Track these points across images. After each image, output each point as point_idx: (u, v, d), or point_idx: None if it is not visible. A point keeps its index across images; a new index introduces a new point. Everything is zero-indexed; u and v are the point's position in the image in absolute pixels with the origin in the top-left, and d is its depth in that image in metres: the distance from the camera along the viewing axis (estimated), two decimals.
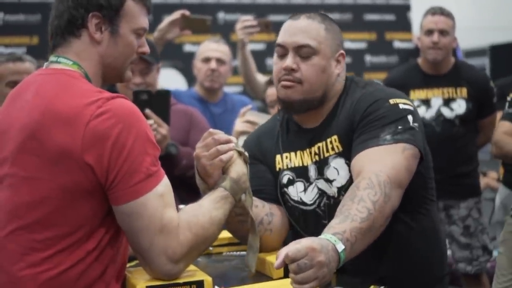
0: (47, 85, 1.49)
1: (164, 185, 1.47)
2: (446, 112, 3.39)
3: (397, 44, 6.33)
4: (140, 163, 1.43)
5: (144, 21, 1.58)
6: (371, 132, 1.68)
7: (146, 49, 1.60)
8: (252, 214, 1.66)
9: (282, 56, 1.80)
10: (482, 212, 3.52)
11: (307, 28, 1.78)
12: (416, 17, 6.40)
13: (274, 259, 1.42)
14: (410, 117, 1.71)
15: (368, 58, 6.27)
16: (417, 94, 3.42)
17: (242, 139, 2.73)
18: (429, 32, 3.38)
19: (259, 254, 1.77)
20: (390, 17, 6.32)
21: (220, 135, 1.62)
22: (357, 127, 1.72)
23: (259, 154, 1.90)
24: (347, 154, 1.73)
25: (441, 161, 3.16)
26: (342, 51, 1.82)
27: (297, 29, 1.78)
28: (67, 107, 1.43)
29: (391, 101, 1.73)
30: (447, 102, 3.39)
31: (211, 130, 1.64)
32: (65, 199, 1.43)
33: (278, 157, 1.87)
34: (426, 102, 3.41)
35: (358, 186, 1.57)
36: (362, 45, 6.22)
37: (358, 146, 1.69)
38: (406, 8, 6.34)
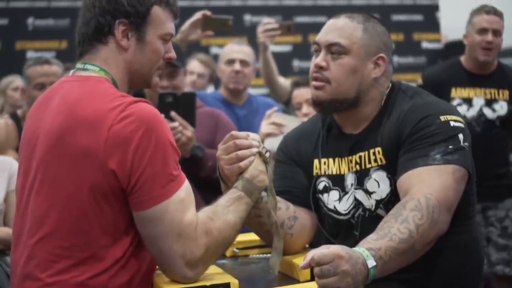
0: (72, 91, 1.50)
1: (185, 189, 1.47)
2: (488, 112, 3.34)
3: (425, 45, 6.26)
4: (162, 168, 1.43)
5: (171, 26, 1.57)
6: (420, 150, 1.64)
7: (173, 54, 1.60)
8: (275, 216, 1.64)
9: (317, 52, 1.79)
10: None
11: (342, 27, 1.76)
12: (444, 17, 6.33)
13: (301, 261, 1.40)
14: (461, 136, 1.67)
15: (396, 59, 6.21)
16: (459, 92, 3.37)
17: (268, 141, 2.73)
18: (483, 31, 3.32)
19: (286, 257, 1.76)
20: (418, 17, 6.25)
21: (242, 140, 1.59)
22: (405, 142, 1.68)
23: (296, 156, 1.87)
24: (390, 168, 1.70)
25: (479, 161, 3.15)
26: (382, 55, 1.76)
27: (333, 28, 1.77)
28: (90, 111, 1.43)
29: (442, 118, 1.68)
30: (489, 102, 3.35)
31: (233, 132, 1.61)
32: (89, 205, 1.43)
33: (316, 161, 1.84)
34: (468, 101, 3.36)
35: (405, 206, 1.54)
36: None
37: (406, 163, 1.65)
38: (434, 8, 6.27)
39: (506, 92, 3.35)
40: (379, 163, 1.73)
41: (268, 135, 2.79)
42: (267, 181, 1.61)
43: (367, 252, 1.41)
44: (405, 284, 1.69)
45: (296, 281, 1.67)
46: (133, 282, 1.48)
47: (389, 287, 1.64)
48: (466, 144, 1.68)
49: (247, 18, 5.90)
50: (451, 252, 1.73)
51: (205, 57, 4.24)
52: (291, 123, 2.77)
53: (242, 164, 1.58)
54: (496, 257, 3.41)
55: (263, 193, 1.66)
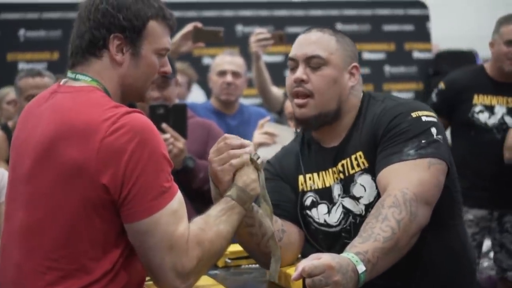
0: (64, 102, 1.49)
1: (178, 201, 1.46)
2: (510, 121, 3.34)
3: (417, 55, 6.29)
4: (154, 180, 1.42)
5: (167, 41, 1.55)
6: (394, 147, 1.66)
7: (168, 68, 1.58)
8: (271, 223, 1.63)
9: (294, 69, 1.80)
10: None
11: (317, 40, 1.78)
12: (435, 27, 6.37)
13: (293, 271, 1.41)
14: (433, 130, 1.69)
15: (387, 69, 6.24)
16: (481, 99, 3.37)
17: (261, 151, 2.73)
18: (510, 42, 3.29)
19: None
20: (409, 27, 6.28)
21: (233, 140, 1.58)
22: (380, 141, 1.70)
23: (281, 173, 1.88)
24: (373, 170, 1.71)
25: (498, 168, 3.20)
26: (355, 64, 1.80)
27: (308, 42, 1.79)
28: (82, 122, 1.42)
29: (414, 114, 1.71)
30: (511, 111, 3.35)
31: (226, 135, 1.60)
32: (79, 216, 1.42)
33: (301, 178, 1.85)
34: (490, 109, 3.36)
35: (383, 204, 1.55)
36: (381, 56, 6.19)
37: (381, 161, 1.67)
38: (425, 18, 6.30)
39: None
40: (362, 167, 1.74)
41: (261, 144, 2.79)
42: (259, 189, 1.60)
43: (356, 257, 1.41)
44: None
45: None
46: None
47: None
48: (439, 137, 1.69)
49: (239, 28, 5.91)
50: (438, 258, 1.74)
51: (181, 65, 4.21)
52: (283, 133, 2.78)
53: (234, 161, 1.55)
54: (508, 264, 3.41)
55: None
